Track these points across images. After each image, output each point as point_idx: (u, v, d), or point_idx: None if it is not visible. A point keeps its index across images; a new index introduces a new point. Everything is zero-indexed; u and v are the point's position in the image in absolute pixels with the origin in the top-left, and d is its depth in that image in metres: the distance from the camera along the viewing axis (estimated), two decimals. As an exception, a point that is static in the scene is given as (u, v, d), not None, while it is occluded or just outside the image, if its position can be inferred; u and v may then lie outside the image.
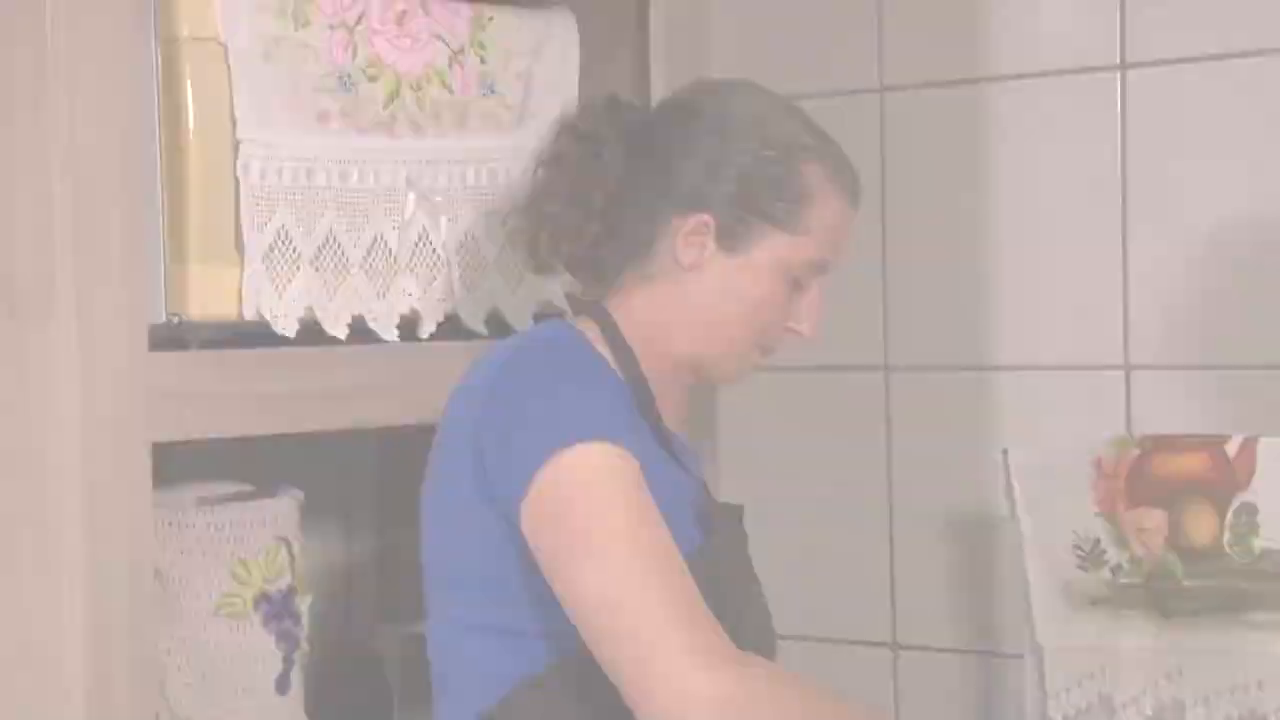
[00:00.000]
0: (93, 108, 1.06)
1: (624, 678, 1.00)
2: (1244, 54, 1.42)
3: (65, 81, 1.05)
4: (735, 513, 1.21)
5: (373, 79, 1.22)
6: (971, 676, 1.64)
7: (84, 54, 1.06)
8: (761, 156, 1.14)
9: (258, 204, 1.16)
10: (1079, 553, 1.49)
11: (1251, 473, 1.37)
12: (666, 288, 1.15)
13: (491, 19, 1.31)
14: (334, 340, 1.21)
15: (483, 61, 1.30)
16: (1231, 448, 1.39)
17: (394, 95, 1.23)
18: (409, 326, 1.25)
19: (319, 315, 1.19)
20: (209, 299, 1.15)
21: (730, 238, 1.13)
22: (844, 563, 1.64)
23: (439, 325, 1.27)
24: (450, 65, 1.27)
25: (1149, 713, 1.50)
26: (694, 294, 1.15)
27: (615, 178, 1.16)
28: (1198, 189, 1.47)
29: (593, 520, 1.02)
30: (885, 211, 1.58)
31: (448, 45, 1.27)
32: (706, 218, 1.13)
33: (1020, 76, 1.52)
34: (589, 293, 1.21)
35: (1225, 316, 1.48)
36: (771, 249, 1.14)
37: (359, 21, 1.21)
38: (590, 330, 1.15)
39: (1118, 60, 1.47)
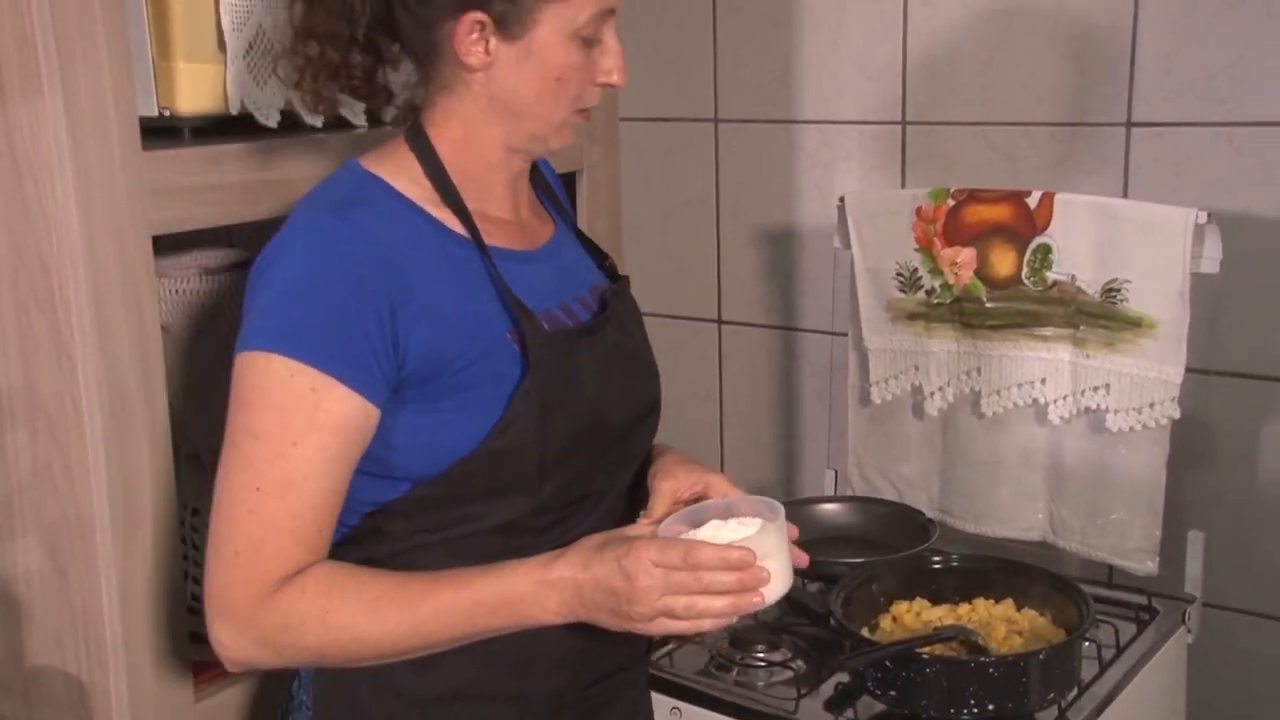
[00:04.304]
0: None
1: None
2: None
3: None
4: (619, 291, 1.19)
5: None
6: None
7: None
8: None
9: (236, 5, 1.19)
10: (900, 279, 1.68)
11: (1049, 220, 1.57)
12: (464, 91, 1.09)
13: None
14: (312, 128, 1.24)
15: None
16: (1032, 200, 1.57)
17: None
18: (375, 111, 1.28)
19: (297, 106, 1.21)
20: (197, 94, 1.19)
21: (508, 27, 1.05)
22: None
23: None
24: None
25: (951, 400, 1.65)
26: (494, 90, 1.08)
27: (370, 3, 1.07)
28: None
29: (239, 423, 1.01)
30: None
31: None
32: (479, 16, 1.05)
33: None
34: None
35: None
36: (552, 22, 1.05)
37: None
38: (399, 159, 1.09)
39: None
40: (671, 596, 0.99)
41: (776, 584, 1.02)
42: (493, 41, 1.06)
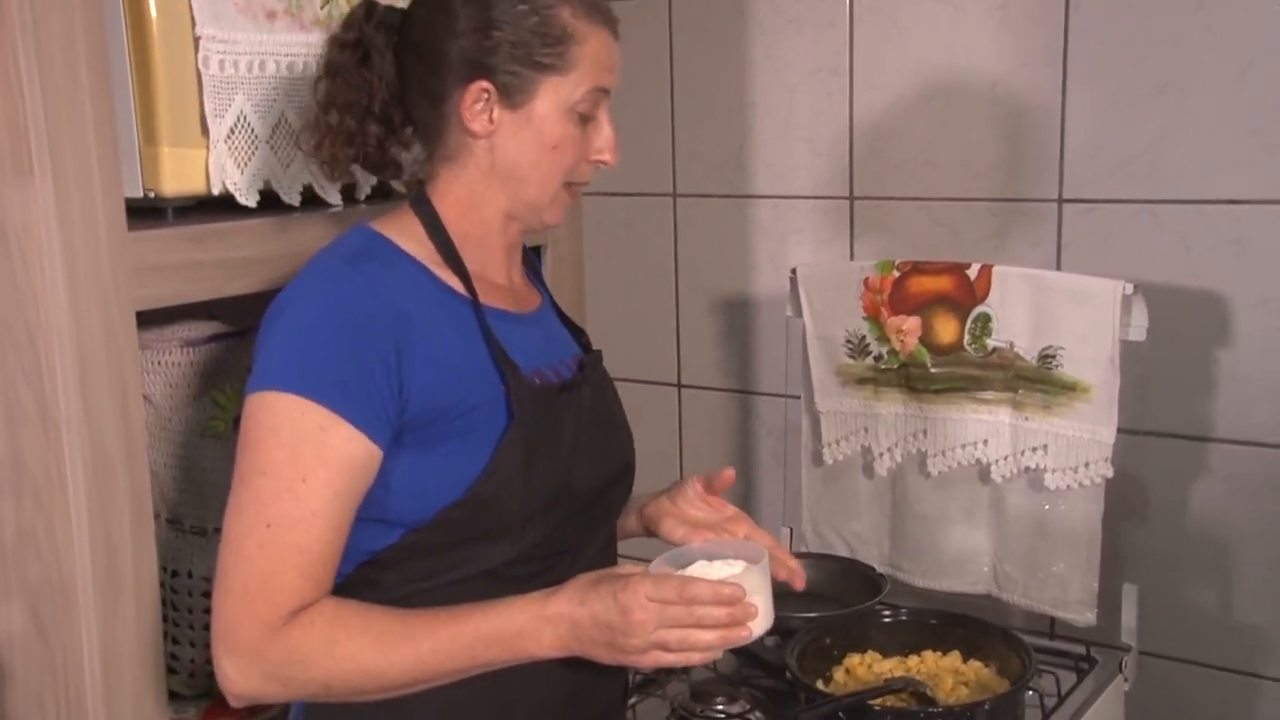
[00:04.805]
0: (57, 16, 1.07)
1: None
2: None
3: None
4: (594, 361, 1.26)
5: (313, -17, 1.28)
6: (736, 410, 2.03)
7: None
8: (517, 13, 1.11)
9: (218, 93, 1.24)
10: (849, 345, 1.73)
11: (988, 290, 1.64)
12: (468, 159, 1.15)
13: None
14: (289, 208, 1.31)
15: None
16: (972, 271, 1.63)
17: (330, -1, 1.30)
18: (349, 192, 1.36)
19: (275, 187, 1.29)
20: (180, 176, 1.23)
21: (510, 96, 1.12)
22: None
23: (373, 189, 1.40)
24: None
25: (899, 460, 1.69)
26: (496, 157, 1.15)
27: (388, 78, 1.15)
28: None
29: (248, 461, 1.03)
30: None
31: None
32: (485, 84, 1.12)
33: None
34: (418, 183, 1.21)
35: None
36: (551, 94, 1.13)
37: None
38: (405, 223, 1.15)
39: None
40: (665, 629, 1.03)
41: (762, 620, 1.08)
42: (496, 110, 1.13)
